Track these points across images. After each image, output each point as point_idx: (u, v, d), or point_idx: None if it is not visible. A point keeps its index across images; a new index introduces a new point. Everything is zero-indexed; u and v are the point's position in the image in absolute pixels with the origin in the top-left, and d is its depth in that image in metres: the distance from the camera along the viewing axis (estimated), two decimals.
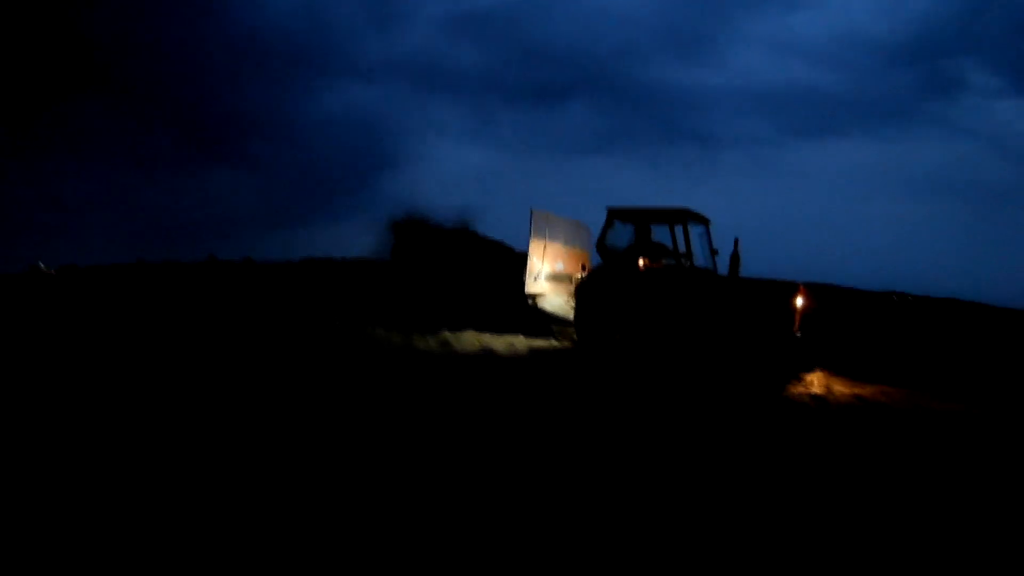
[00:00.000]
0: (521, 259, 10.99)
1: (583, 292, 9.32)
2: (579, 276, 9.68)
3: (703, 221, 9.15)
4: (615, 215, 9.35)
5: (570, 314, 10.31)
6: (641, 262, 9.05)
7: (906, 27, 53.26)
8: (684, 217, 8.86)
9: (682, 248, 9.02)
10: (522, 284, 10.07)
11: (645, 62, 61.04)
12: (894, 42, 53.19)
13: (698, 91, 58.79)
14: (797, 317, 8.46)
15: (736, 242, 8.90)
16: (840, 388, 8.15)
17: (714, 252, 9.11)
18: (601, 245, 9.42)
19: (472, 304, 10.96)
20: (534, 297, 10.40)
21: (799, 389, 8.02)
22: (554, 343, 9.75)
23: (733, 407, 6.62)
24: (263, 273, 14.58)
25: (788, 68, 56.90)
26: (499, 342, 9.37)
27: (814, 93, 57.14)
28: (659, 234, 9.73)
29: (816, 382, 8.32)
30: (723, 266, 8.97)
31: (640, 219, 9.31)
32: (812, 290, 9.36)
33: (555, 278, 10.32)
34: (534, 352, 9.01)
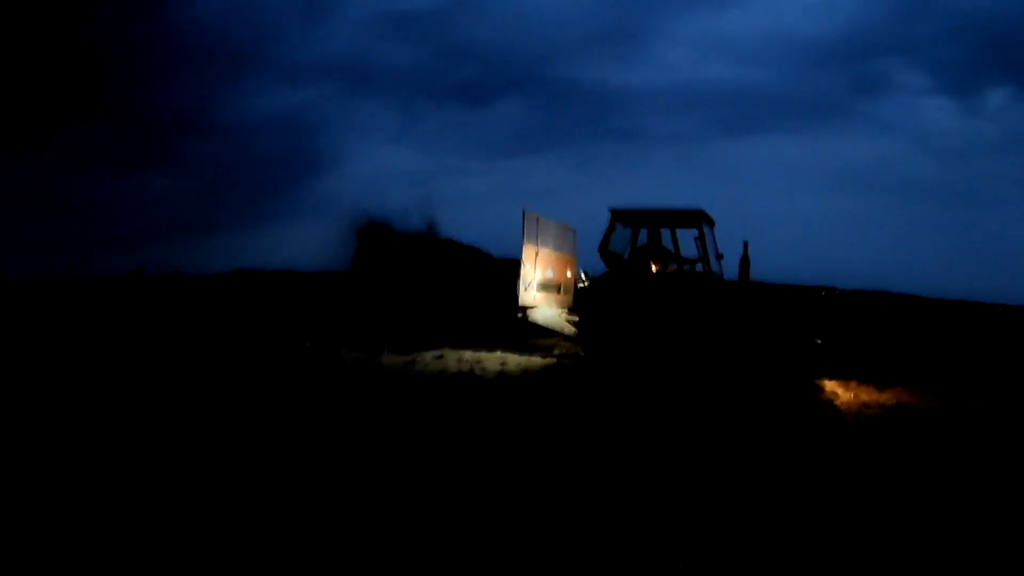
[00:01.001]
0: (501, 267, 10.04)
1: (590, 301, 8.41)
2: (581, 284, 8.79)
3: (712, 223, 8.48)
4: (619, 217, 8.51)
5: (565, 327, 9.41)
6: (653, 268, 8.27)
7: (835, 28, 55.76)
8: (699, 219, 8.13)
9: (691, 252, 8.30)
10: (512, 295, 9.10)
11: (574, 61, 61.40)
12: (823, 42, 55.50)
13: (626, 90, 59.66)
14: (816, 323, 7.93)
15: (745, 245, 8.31)
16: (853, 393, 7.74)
17: (719, 256, 8.46)
18: (604, 250, 8.52)
19: (450, 318, 9.87)
20: (525, 309, 9.44)
21: (824, 395, 7.58)
22: (550, 359, 8.78)
23: (762, 417, 6.25)
24: (199, 287, 12.84)
25: (716, 67, 58.49)
26: (492, 360, 8.33)
27: (742, 91, 58.96)
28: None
29: (837, 389, 7.86)
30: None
31: (649, 221, 8.51)
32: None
33: (545, 287, 9.38)
34: (538, 374, 8.02)
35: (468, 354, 8.75)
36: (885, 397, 7.69)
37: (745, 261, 8.27)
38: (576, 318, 9.47)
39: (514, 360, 8.65)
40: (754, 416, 6.46)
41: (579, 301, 8.57)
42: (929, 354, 9.82)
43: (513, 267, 10.45)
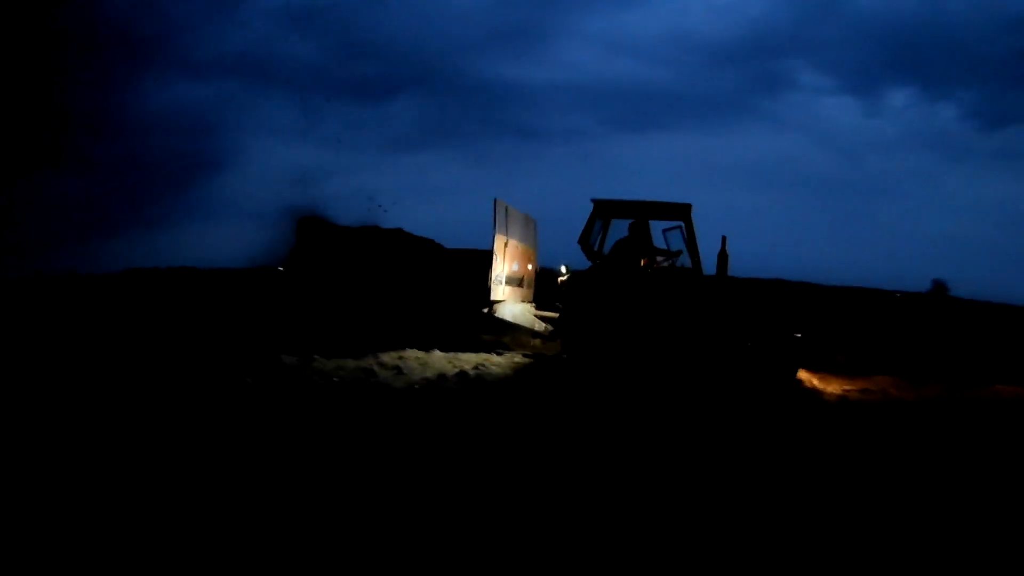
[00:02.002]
0: (455, 259, 9.37)
1: (574, 296, 7.90)
2: (562, 278, 8.28)
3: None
4: (603, 209, 8.10)
5: (535, 323, 8.90)
6: (641, 262, 7.94)
7: (739, 29, 58.35)
8: (686, 212, 7.90)
9: (675, 245, 8.06)
10: (471, 288, 8.46)
11: (475, 57, 60.61)
12: (726, 42, 57.87)
13: (526, 86, 59.77)
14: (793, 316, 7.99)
15: (724, 240, 8.19)
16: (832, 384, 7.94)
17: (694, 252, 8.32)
18: (585, 243, 8.07)
19: (408, 315, 9.03)
20: (492, 305, 8.81)
21: (810, 386, 7.71)
22: (527, 359, 8.22)
23: (756, 411, 6.28)
24: (97, 286, 10.94)
25: (618, 65, 59.66)
26: (460, 362, 7.63)
27: (643, 89, 60.41)
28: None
29: (812, 379, 8.02)
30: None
31: (636, 214, 8.17)
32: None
33: (510, 280, 8.80)
34: (523, 377, 7.43)
35: (437, 355, 8.00)
36: (860, 385, 7.93)
37: (723, 256, 8.17)
38: (546, 313, 9.02)
39: (495, 361, 8.00)
40: (752, 409, 6.41)
41: (563, 296, 8.06)
42: (878, 342, 10.35)
43: (467, 258, 9.80)
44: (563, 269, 8.54)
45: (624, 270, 7.91)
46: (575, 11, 61.29)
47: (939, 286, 18.51)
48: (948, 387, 7.90)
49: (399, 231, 9.95)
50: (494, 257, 8.11)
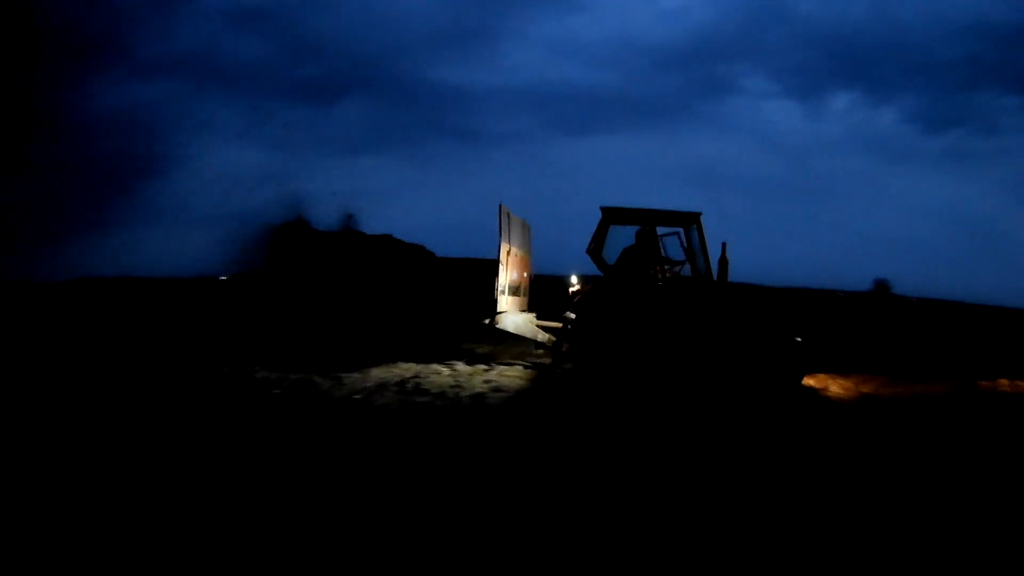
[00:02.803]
0: (447, 268, 9.02)
1: (590, 309, 7.66)
2: (573, 288, 8.04)
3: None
4: (612, 217, 7.90)
5: (537, 333, 8.64)
6: (656, 271, 7.82)
7: (685, 34, 59.64)
8: (696, 220, 7.82)
9: (672, 252, 8.02)
10: (466, 298, 8.14)
11: (421, 60, 59.58)
12: (671, 47, 58.99)
13: (471, 89, 59.30)
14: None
15: (724, 246, 8.19)
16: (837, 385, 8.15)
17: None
18: (597, 253, 7.84)
19: (403, 326, 8.55)
20: (495, 316, 8.50)
21: (818, 389, 7.86)
22: (530, 372, 7.96)
23: (777, 413, 6.45)
24: (49, 294, 9.77)
25: (563, 68, 60.03)
26: (478, 379, 7.29)
27: (587, 93, 61.03)
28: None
29: (825, 382, 8.22)
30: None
31: (647, 222, 8.01)
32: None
33: (510, 290, 8.52)
34: (538, 393, 7.13)
35: (445, 372, 7.63)
36: (859, 386, 8.16)
37: (724, 262, 8.18)
38: (548, 323, 8.77)
39: (509, 375, 7.69)
40: (772, 411, 6.50)
41: (577, 306, 7.81)
42: (860, 344, 10.74)
43: (457, 267, 9.45)
44: (574, 279, 8.33)
45: (641, 280, 7.77)
46: (521, 15, 61.36)
47: (881, 285, 19.53)
48: (942, 384, 8.27)
49: (388, 237, 9.42)
50: (500, 266, 7.82)
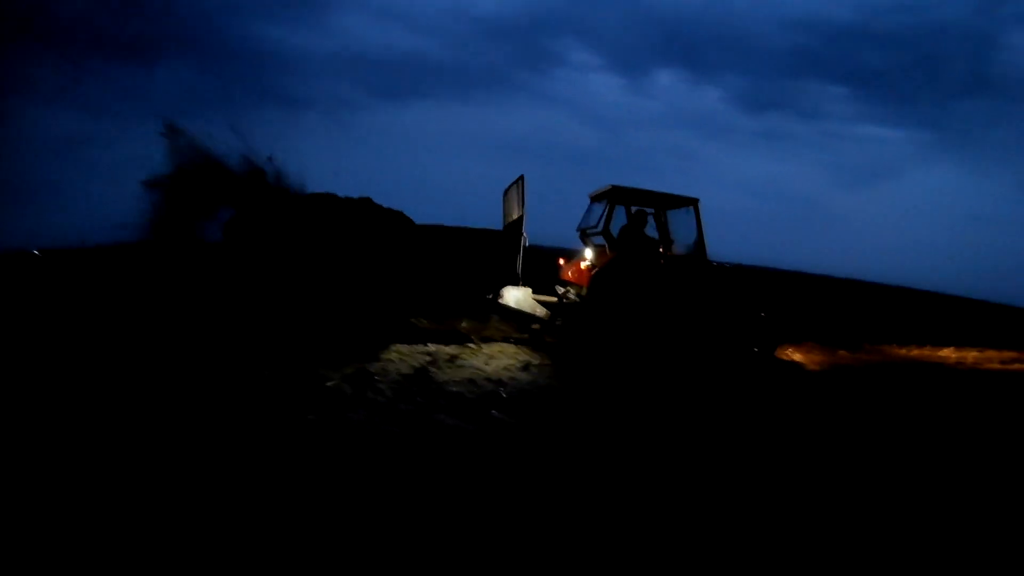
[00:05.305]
0: (429, 236, 8.46)
1: (605, 287, 7.58)
2: (585, 264, 7.87)
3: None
4: (619, 196, 7.95)
5: (536, 308, 8.36)
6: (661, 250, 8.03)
7: (513, 6, 58.97)
8: (695, 204, 8.13)
9: (686, 235, 8.28)
10: (458, 271, 7.72)
11: (246, 23, 52.48)
12: (500, 17, 58.28)
13: (299, 53, 53.89)
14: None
15: (699, 223, 8.65)
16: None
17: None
18: (607, 232, 7.84)
19: (383, 304, 7.69)
20: (500, 290, 8.07)
21: (788, 358, 8.73)
22: (531, 354, 7.70)
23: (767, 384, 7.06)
24: None
25: (391, 34, 56.99)
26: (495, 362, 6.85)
27: (414, 60, 58.82)
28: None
29: (795, 353, 9.13)
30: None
31: (650, 203, 8.24)
32: None
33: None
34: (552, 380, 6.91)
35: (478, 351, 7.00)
36: (824, 357, 9.22)
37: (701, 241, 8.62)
38: (545, 298, 8.52)
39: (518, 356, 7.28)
40: (761, 382, 7.16)
41: (593, 285, 7.67)
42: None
43: (437, 235, 8.84)
44: (588, 254, 8.17)
45: (655, 259, 7.93)
46: None
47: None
48: (872, 353, 9.67)
49: (367, 201, 8.28)
50: (523, 239, 7.49)
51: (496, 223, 9.07)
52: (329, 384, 5.05)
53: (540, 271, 8.83)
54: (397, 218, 8.38)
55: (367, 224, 8.12)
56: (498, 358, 6.79)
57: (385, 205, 8.37)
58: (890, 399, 6.91)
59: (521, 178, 7.65)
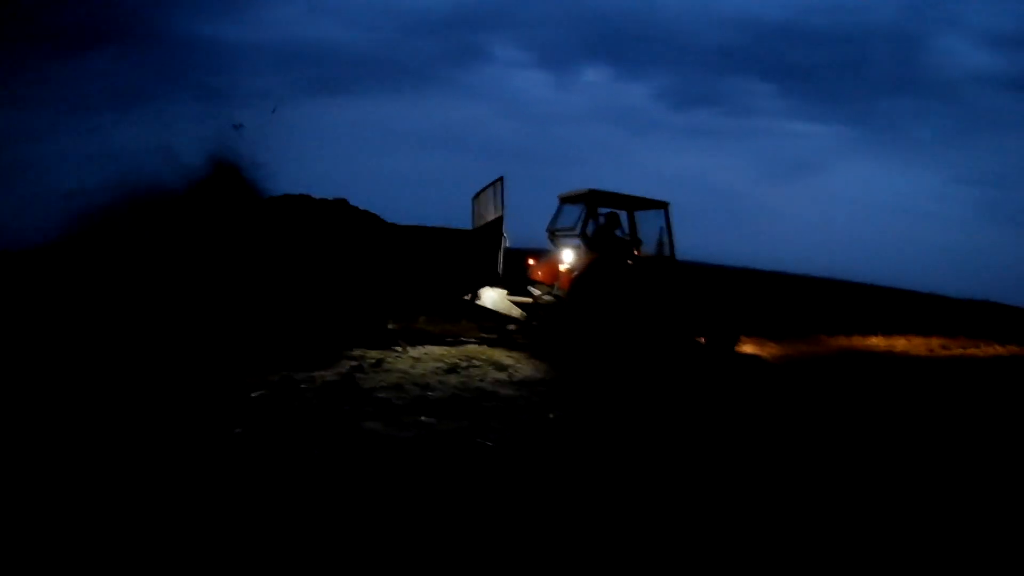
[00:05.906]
0: (404, 236, 8.42)
1: (585, 289, 7.80)
2: (564, 268, 8.05)
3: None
4: (597, 199, 8.20)
5: (512, 309, 8.47)
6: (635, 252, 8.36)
7: (441, 1, 58.00)
8: (666, 207, 8.47)
9: (657, 237, 8.60)
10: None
11: (173, 13, 49.28)
12: (429, 14, 57.30)
13: (225, 45, 51.37)
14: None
15: (668, 225, 8.99)
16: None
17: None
18: (584, 235, 8.12)
19: (364, 304, 7.58)
20: (477, 291, 8.11)
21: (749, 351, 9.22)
22: (512, 355, 7.80)
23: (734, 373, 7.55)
24: None
25: (320, 27, 55.22)
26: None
27: (339, 53, 57.27)
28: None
29: (753, 347, 9.62)
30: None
31: (625, 206, 8.68)
32: None
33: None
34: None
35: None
36: (776, 349, 9.76)
37: (670, 242, 8.96)
38: (519, 299, 8.63)
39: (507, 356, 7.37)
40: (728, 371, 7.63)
41: (575, 287, 7.85)
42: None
43: (413, 236, 8.78)
44: (568, 255, 8.31)
45: (625, 261, 8.22)
46: None
47: None
48: (819, 343, 10.32)
49: (342, 202, 8.07)
50: (503, 239, 7.62)
51: (421, 218, 9.11)
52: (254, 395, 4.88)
53: (507, 271, 8.93)
54: (372, 220, 8.26)
55: (333, 226, 7.96)
56: (475, 359, 6.87)
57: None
58: (853, 388, 7.40)
59: (500, 180, 7.71)
